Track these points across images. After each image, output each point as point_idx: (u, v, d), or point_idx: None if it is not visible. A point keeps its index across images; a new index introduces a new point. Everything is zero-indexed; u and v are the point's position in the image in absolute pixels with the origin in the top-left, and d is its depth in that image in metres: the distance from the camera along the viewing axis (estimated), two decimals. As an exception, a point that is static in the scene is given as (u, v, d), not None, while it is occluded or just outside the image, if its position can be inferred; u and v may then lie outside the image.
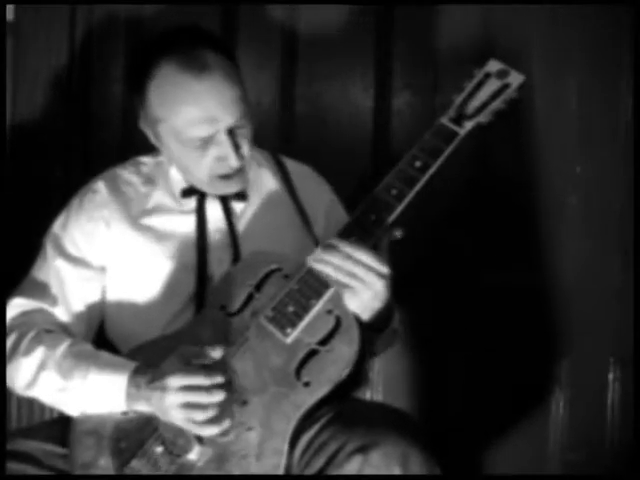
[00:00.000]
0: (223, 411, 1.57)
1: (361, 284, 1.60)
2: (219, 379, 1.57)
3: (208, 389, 1.55)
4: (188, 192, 1.85)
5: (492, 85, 1.70)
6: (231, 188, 1.81)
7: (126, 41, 2.28)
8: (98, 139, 2.30)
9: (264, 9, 2.16)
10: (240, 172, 1.79)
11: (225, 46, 1.80)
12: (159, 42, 1.77)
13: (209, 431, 1.57)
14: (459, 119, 1.68)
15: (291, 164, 1.97)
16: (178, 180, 1.86)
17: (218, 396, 1.55)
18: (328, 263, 1.61)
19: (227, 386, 1.59)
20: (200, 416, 1.55)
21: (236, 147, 1.74)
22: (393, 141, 2.29)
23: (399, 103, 2.29)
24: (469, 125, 1.68)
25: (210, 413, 1.56)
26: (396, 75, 2.29)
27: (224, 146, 1.73)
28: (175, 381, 1.56)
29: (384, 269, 1.60)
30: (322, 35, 2.27)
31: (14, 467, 1.60)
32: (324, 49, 2.27)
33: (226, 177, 1.78)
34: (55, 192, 2.24)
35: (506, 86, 1.70)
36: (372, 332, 1.69)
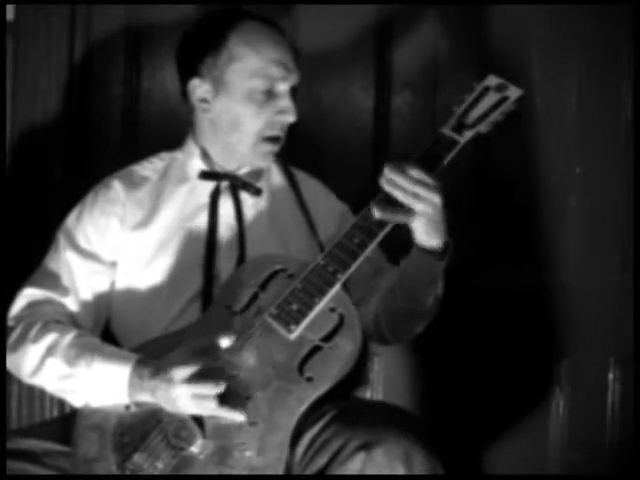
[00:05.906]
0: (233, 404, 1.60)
1: (425, 203, 1.61)
2: (223, 372, 1.60)
3: (214, 381, 1.57)
4: (207, 175, 1.88)
5: (491, 98, 1.75)
6: (267, 160, 1.87)
7: (126, 41, 2.28)
8: (98, 139, 2.29)
9: (264, 9, 2.15)
10: (278, 144, 1.86)
11: None
12: (231, 11, 1.92)
13: (234, 416, 1.59)
14: (459, 128, 1.72)
15: (300, 175, 2.00)
16: (196, 168, 1.88)
17: (222, 387, 1.58)
18: (397, 186, 1.62)
19: (231, 381, 1.61)
20: (210, 406, 1.57)
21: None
22: (393, 141, 2.29)
23: (399, 103, 2.30)
24: (469, 134, 1.72)
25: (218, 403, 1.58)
26: (396, 75, 2.29)
27: (287, 100, 1.83)
28: (181, 373, 1.57)
29: (436, 182, 1.63)
30: (322, 35, 2.27)
31: (14, 465, 1.60)
32: (324, 49, 2.28)
33: (271, 141, 1.84)
34: (55, 192, 2.24)
35: (504, 99, 1.75)
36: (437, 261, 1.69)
